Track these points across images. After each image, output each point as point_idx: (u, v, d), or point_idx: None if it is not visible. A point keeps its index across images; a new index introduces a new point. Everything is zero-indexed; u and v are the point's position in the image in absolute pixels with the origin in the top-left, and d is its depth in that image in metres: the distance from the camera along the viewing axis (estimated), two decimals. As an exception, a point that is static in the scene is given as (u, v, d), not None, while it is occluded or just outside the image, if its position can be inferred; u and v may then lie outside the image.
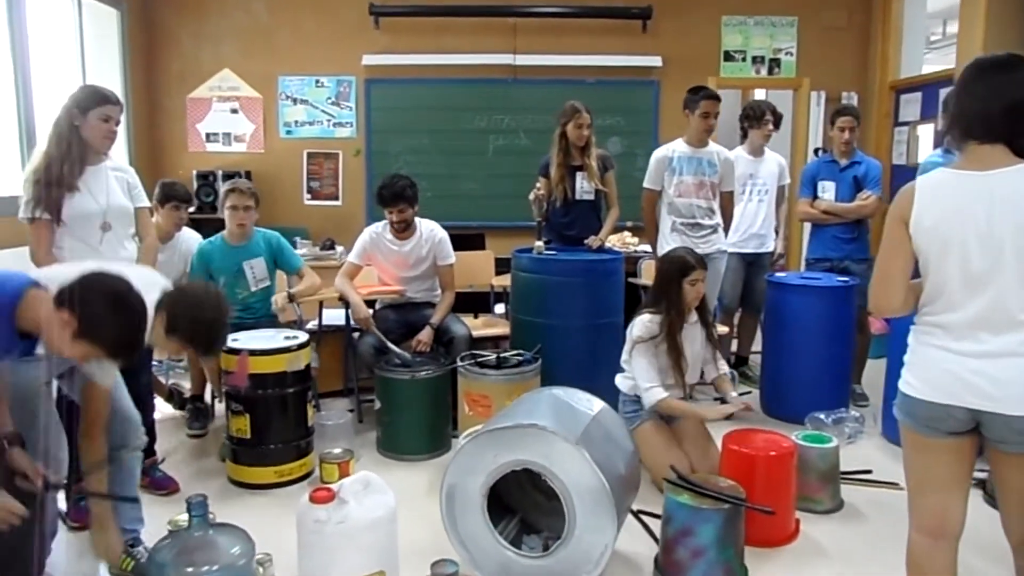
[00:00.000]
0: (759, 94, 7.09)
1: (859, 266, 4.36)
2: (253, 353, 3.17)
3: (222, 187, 3.80)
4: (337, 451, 3.33)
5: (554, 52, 6.17)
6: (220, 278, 3.71)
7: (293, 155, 6.24)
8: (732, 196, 4.22)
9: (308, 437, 3.36)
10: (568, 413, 2.63)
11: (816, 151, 6.42)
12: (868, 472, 3.43)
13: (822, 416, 3.81)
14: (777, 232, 4.72)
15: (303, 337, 3.35)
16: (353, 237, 5.84)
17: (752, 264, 4.46)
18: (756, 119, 4.48)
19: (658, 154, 4.10)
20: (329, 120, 6.23)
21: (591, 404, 2.78)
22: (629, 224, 5.54)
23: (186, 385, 4.16)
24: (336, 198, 6.31)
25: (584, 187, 4.24)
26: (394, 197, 3.89)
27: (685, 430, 3.37)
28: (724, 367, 3.44)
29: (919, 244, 1.83)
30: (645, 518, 2.94)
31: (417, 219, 4.05)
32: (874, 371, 4.50)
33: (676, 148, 4.07)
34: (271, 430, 3.23)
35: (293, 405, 3.29)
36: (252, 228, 3.80)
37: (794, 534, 2.88)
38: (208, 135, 6.17)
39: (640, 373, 3.16)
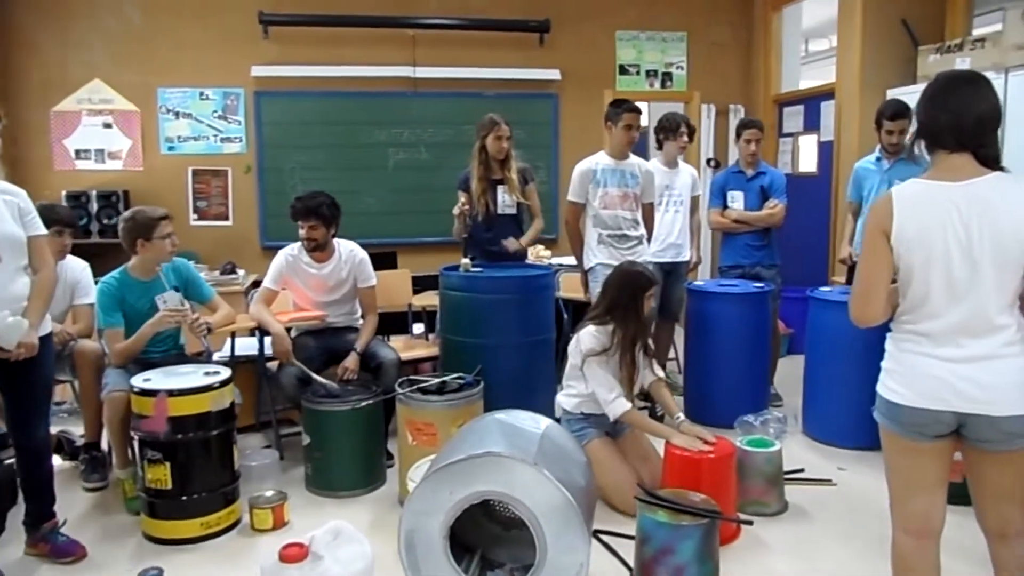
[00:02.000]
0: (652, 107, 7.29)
1: (769, 271, 4.55)
2: (172, 394, 2.84)
3: (128, 215, 3.36)
4: (269, 494, 3.08)
5: (454, 65, 6.08)
6: (135, 318, 3.30)
7: (176, 173, 5.77)
8: (653, 207, 4.28)
9: (235, 482, 3.06)
10: (517, 435, 2.52)
11: (708, 162, 6.68)
12: (802, 471, 3.54)
13: (750, 419, 3.90)
14: (692, 241, 4.83)
15: (225, 372, 3.04)
16: (249, 260, 5.56)
17: (670, 273, 4.53)
18: (671, 131, 4.58)
19: (581, 167, 4.08)
20: (216, 135, 5.81)
21: (536, 422, 2.69)
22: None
23: (77, 432, 3.70)
24: (226, 218, 5.90)
25: (506, 201, 4.17)
26: (306, 212, 3.66)
27: (628, 443, 3.35)
28: (660, 372, 3.45)
29: (902, 255, 1.87)
30: (605, 538, 2.88)
31: (336, 240, 3.83)
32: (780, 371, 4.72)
33: (599, 161, 4.07)
34: (194, 478, 2.90)
35: (217, 448, 2.98)
36: None
37: (736, 533, 2.91)
38: (78, 152, 5.60)
39: (600, 385, 3.11)
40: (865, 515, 3.15)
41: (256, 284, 4.74)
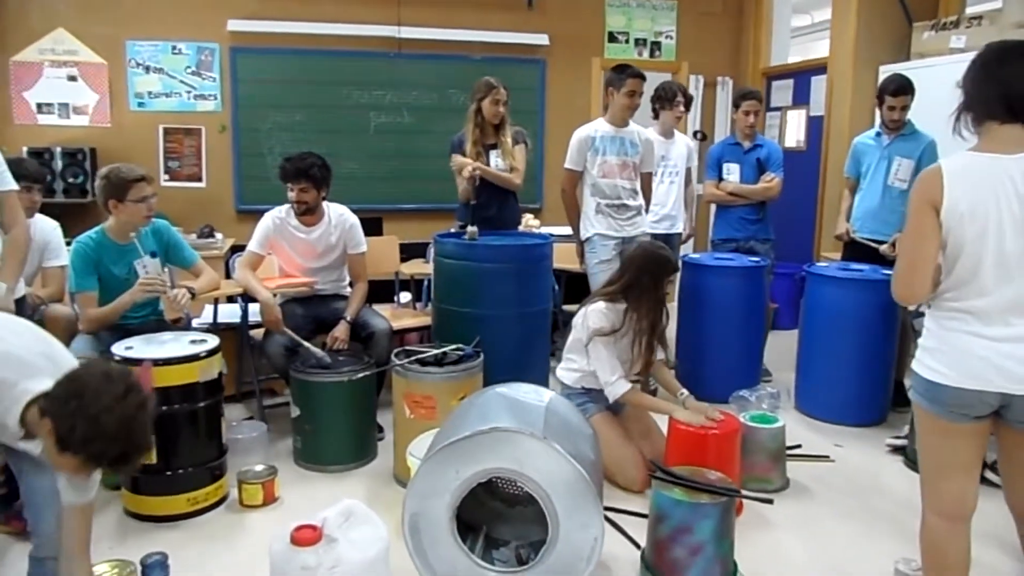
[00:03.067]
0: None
1: (763, 246, 4.49)
2: (157, 363, 2.67)
3: (104, 172, 3.11)
4: (259, 468, 2.94)
5: (440, 26, 5.87)
6: (111, 283, 3.09)
7: (147, 130, 5.49)
8: (651, 177, 4.18)
9: (222, 456, 2.91)
10: (521, 409, 2.42)
11: (695, 134, 6.58)
12: (799, 447, 3.51)
13: (745, 394, 3.86)
14: (686, 213, 4.76)
15: (213, 341, 2.88)
16: (223, 224, 5.33)
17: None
18: (667, 100, 4.47)
19: (580, 134, 3.95)
20: (189, 92, 5.53)
21: (539, 395, 2.59)
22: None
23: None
24: (199, 179, 5.64)
25: (500, 166, 4.03)
26: (296, 173, 3.48)
27: (630, 418, 3.28)
28: (660, 352, 3.37)
29: (952, 229, 1.80)
30: (611, 515, 2.81)
31: (326, 203, 3.65)
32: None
33: (599, 128, 3.94)
34: (181, 452, 2.75)
35: (205, 421, 2.83)
36: None
37: (739, 510, 2.86)
38: (40, 105, 5.28)
39: (602, 365, 3.02)
40: (866, 492, 3.15)
41: (235, 248, 4.56)
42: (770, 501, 2.40)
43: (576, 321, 3.21)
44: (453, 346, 3.18)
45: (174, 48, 5.46)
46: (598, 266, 3.91)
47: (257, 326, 3.70)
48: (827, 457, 3.46)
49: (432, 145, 5.94)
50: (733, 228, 4.51)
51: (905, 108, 3.92)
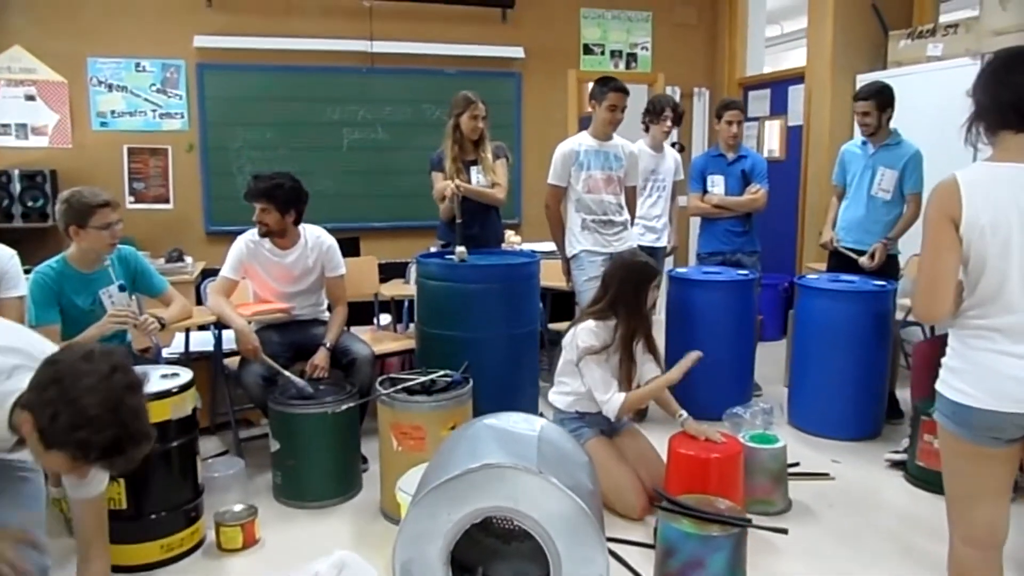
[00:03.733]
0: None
1: (750, 258, 4.43)
2: (126, 401, 2.48)
3: (65, 196, 2.93)
4: (237, 508, 2.77)
5: (413, 39, 5.75)
6: (74, 315, 2.90)
7: (110, 150, 5.27)
8: (635, 191, 4.09)
9: (198, 498, 2.73)
10: (512, 441, 2.29)
11: (673, 145, 6.52)
12: (797, 464, 3.42)
13: (739, 411, 3.76)
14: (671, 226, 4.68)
15: (186, 374, 2.71)
16: (192, 247, 5.13)
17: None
18: (655, 114, 4.39)
19: (564, 148, 3.85)
20: (155, 111, 5.34)
21: (531, 424, 2.46)
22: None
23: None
24: (166, 200, 5.44)
25: (481, 182, 3.91)
26: (256, 193, 3.33)
27: (626, 442, 3.17)
28: (655, 369, 3.27)
29: (974, 243, 1.72)
30: (612, 546, 2.68)
31: (302, 225, 3.50)
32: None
33: (582, 141, 3.85)
34: (153, 495, 2.57)
35: (179, 461, 2.65)
36: None
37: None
38: (-4, 126, 5.05)
39: (596, 384, 2.92)
40: (869, 510, 3.07)
41: (206, 273, 4.38)
42: (784, 531, 2.29)
43: (566, 342, 3.10)
44: (441, 372, 3.04)
45: (138, 65, 5.27)
46: (586, 283, 3.81)
47: (232, 355, 3.53)
48: (826, 475, 3.37)
49: (407, 161, 5.82)
50: (719, 241, 4.45)
51: (868, 114, 3.88)
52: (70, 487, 1.90)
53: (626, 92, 3.78)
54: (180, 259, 4.32)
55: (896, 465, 3.43)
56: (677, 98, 6.53)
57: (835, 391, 3.79)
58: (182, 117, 5.39)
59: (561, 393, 3.12)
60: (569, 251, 3.92)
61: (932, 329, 4.07)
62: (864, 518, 2.99)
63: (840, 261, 4.05)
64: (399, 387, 2.90)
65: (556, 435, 2.46)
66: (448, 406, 2.88)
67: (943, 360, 1.85)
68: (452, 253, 3.61)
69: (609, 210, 3.84)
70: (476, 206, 3.88)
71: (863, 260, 3.89)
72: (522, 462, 2.02)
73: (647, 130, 4.47)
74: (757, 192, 4.34)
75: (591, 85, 3.90)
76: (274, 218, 3.35)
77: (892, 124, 3.95)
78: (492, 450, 2.12)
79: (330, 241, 3.56)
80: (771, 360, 4.74)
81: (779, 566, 2.59)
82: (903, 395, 4.01)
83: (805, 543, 2.76)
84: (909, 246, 4.58)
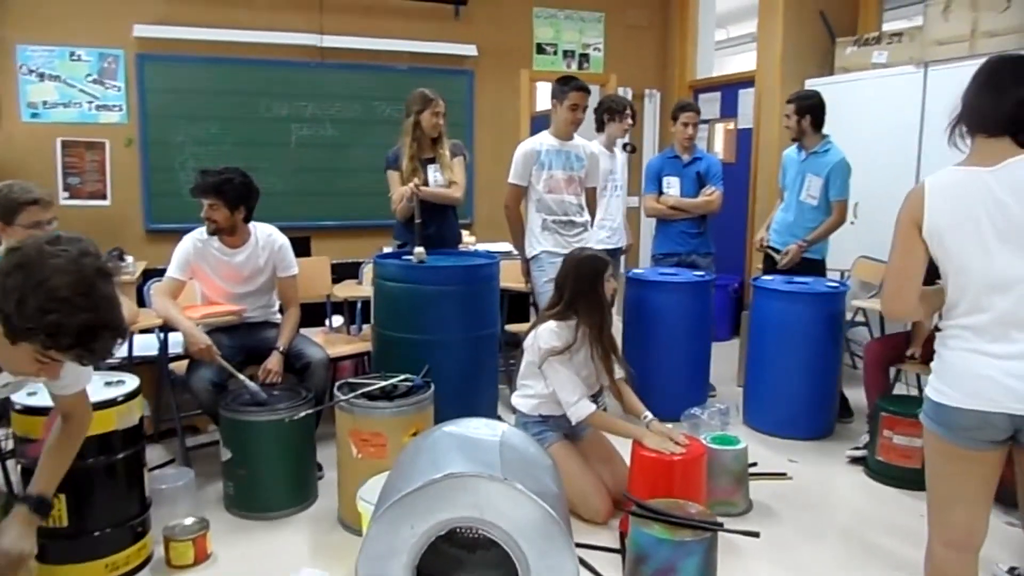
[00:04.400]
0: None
1: (705, 260, 4.47)
2: (67, 411, 2.33)
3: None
4: (188, 522, 2.63)
5: (365, 34, 5.62)
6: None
7: (42, 143, 5.00)
8: (596, 192, 4.07)
9: (146, 512, 2.59)
10: (474, 448, 2.23)
11: (624, 147, 6.55)
12: (755, 465, 3.45)
13: (696, 412, 3.79)
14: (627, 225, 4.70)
15: (132, 381, 2.56)
16: (131, 246, 4.90)
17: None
18: (618, 112, 4.39)
19: (525, 147, 3.81)
20: (91, 102, 5.08)
21: (492, 429, 2.40)
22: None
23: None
24: (103, 196, 5.19)
25: (439, 180, 3.84)
26: (205, 188, 3.20)
27: (589, 445, 3.14)
28: (619, 371, 3.25)
29: (936, 246, 1.76)
30: (578, 551, 2.64)
31: (253, 224, 3.37)
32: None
33: (543, 141, 3.81)
34: (97, 511, 2.42)
35: (125, 473, 2.50)
36: None
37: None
38: (-85, 116, 4.72)
39: (563, 386, 2.87)
40: (830, 508, 3.12)
41: (147, 273, 4.18)
42: (756, 534, 2.29)
43: (527, 344, 3.06)
44: (401, 376, 2.95)
45: (72, 54, 5.00)
46: (546, 285, 3.75)
47: (178, 359, 3.37)
48: (784, 474, 3.41)
49: (358, 159, 5.70)
50: (674, 242, 4.47)
51: (788, 116, 4.05)
52: (50, 387, 1.86)
53: (587, 91, 3.76)
54: (121, 259, 4.10)
55: (856, 461, 3.49)
56: (629, 99, 6.58)
57: (790, 391, 3.85)
58: (121, 109, 5.15)
59: (525, 396, 3.08)
60: (529, 252, 3.87)
61: (882, 329, 4.16)
62: (825, 516, 3.04)
63: (768, 261, 4.19)
64: (359, 392, 2.81)
65: (519, 439, 2.40)
66: (409, 412, 2.80)
67: (931, 364, 1.87)
68: (410, 253, 3.53)
69: (570, 210, 3.81)
70: (434, 206, 3.80)
71: (778, 258, 4.09)
72: (486, 470, 1.97)
73: (601, 129, 4.46)
74: (712, 194, 4.38)
75: (552, 84, 3.85)
76: (223, 215, 3.21)
77: (827, 129, 4.07)
78: (454, 459, 2.05)
79: (282, 240, 3.43)
80: (723, 360, 4.79)
81: (747, 569, 2.59)
82: (850, 394, 4.11)
83: (769, 544, 2.77)
84: (851, 251, 4.72)
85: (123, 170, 5.19)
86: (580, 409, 2.88)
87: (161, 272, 3.42)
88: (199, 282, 3.38)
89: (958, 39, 4.25)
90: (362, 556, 1.93)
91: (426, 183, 3.77)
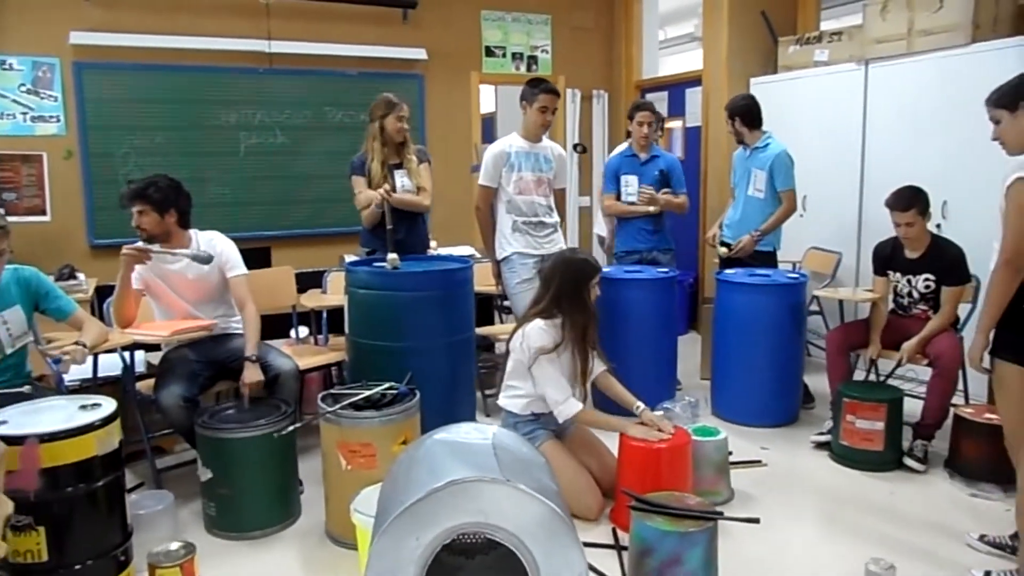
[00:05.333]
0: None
1: (665, 256, 4.55)
2: (44, 439, 2.22)
3: None
4: (174, 547, 2.52)
5: (313, 40, 5.52)
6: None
7: (-28, 158, 4.74)
8: (564, 193, 4.10)
9: (128, 540, 2.48)
10: (469, 453, 2.23)
11: (575, 147, 6.64)
12: (731, 454, 3.53)
13: (669, 405, 3.84)
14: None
15: (109, 404, 2.45)
16: (76, 261, 4.69)
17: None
18: (637, 108, 4.52)
19: (495, 149, 3.81)
20: (25, 113, 4.84)
21: (482, 433, 2.40)
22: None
23: None
24: (43, 212, 4.95)
25: (406, 185, 3.80)
26: (132, 195, 3.13)
27: (576, 440, 3.17)
28: (601, 364, 3.28)
29: None
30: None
31: (193, 231, 3.30)
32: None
33: (512, 143, 3.82)
34: (79, 543, 2.30)
35: (105, 502, 2.38)
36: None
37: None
38: None
39: (551, 385, 2.90)
40: (806, 492, 3.23)
41: (100, 291, 4.02)
42: (756, 520, 2.35)
43: (514, 344, 3.06)
44: (385, 384, 2.92)
45: (3, 63, 4.75)
46: (519, 286, 3.79)
47: (145, 378, 3.24)
48: (760, 462, 3.51)
49: (311, 166, 5.61)
50: (634, 240, 4.53)
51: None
52: None
53: (557, 94, 3.80)
54: (72, 276, 3.92)
55: (821, 446, 3.62)
56: (578, 100, 6.66)
57: (757, 380, 3.97)
58: (58, 120, 4.92)
59: (514, 396, 3.08)
60: (500, 253, 3.88)
61: (841, 317, 4.32)
62: (803, 499, 3.15)
63: (731, 262, 4.32)
64: (345, 403, 2.76)
65: (510, 440, 2.40)
66: (398, 420, 2.76)
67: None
68: (380, 260, 3.49)
69: (540, 212, 3.84)
70: (402, 212, 3.77)
71: (722, 250, 4.31)
72: (485, 473, 1.97)
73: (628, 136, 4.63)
74: (681, 198, 4.47)
75: (522, 87, 3.86)
76: (152, 220, 3.13)
77: (773, 127, 4.32)
78: (452, 465, 2.04)
79: (225, 242, 3.35)
80: (682, 354, 4.88)
81: (742, 552, 2.65)
82: (809, 380, 4.25)
83: (756, 527, 2.84)
84: (802, 243, 4.89)
85: (63, 184, 4.97)
86: (568, 408, 2.91)
87: (114, 288, 3.29)
88: (156, 298, 3.28)
89: (896, 37, 4.46)
90: (369, 573, 1.90)
91: (394, 188, 3.73)
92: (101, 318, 3.61)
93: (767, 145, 4.19)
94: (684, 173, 4.63)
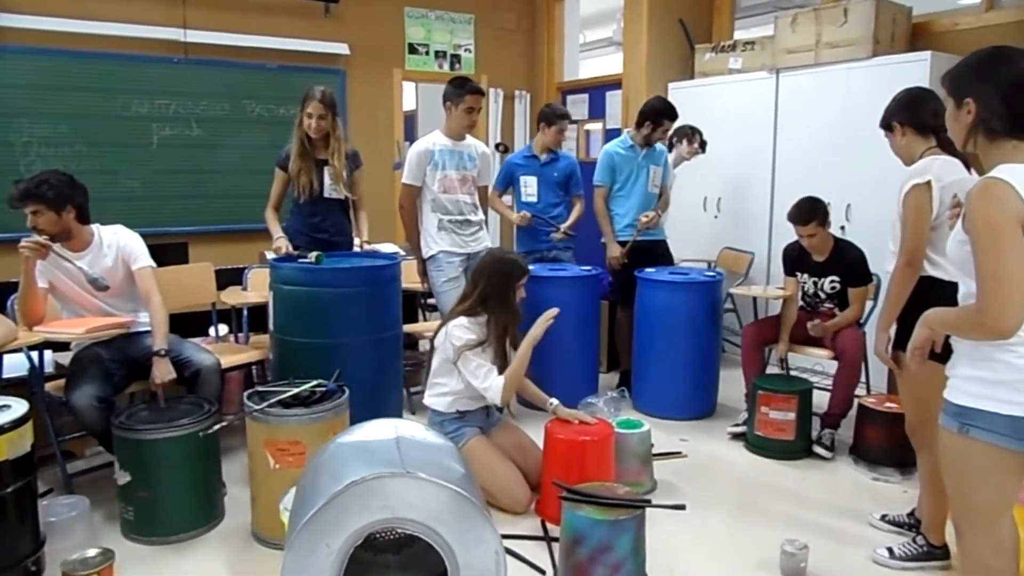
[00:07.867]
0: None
1: (566, 253, 4.64)
2: (-52, 443, 2.10)
3: None
4: (91, 554, 2.43)
5: (231, 30, 5.36)
6: None
7: None
8: (487, 190, 4.13)
9: (40, 549, 2.37)
10: (371, 451, 2.21)
11: (497, 146, 6.67)
12: (652, 446, 3.66)
13: (593, 400, 3.94)
14: None
15: (20, 406, 2.33)
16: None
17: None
18: (686, 135, 4.83)
19: (419, 147, 3.80)
20: (-87, 98, 4.50)
21: (387, 427, 2.35)
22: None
23: None
24: (-68, 205, 4.60)
25: (329, 183, 3.74)
26: (23, 195, 2.97)
27: (504, 436, 3.22)
28: None
29: None
30: (506, 542, 2.70)
31: (96, 226, 3.19)
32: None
33: (436, 141, 3.82)
34: (-13, 551, 2.19)
35: (15, 509, 2.28)
36: None
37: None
38: None
39: (476, 374, 2.94)
40: (724, 481, 3.38)
41: (3, 288, 3.78)
42: (683, 507, 2.44)
43: (438, 342, 3.08)
44: (313, 382, 2.88)
45: None
46: (445, 284, 3.80)
47: (54, 379, 3.09)
48: (680, 453, 3.65)
49: (228, 160, 5.44)
50: (534, 240, 4.58)
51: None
52: None
53: (482, 94, 3.82)
54: (-31, 273, 3.68)
55: (736, 437, 3.79)
56: (500, 100, 6.71)
57: (676, 375, 4.12)
58: (-49, 107, 4.60)
59: (439, 395, 3.09)
60: (426, 252, 3.88)
61: (755, 314, 4.51)
62: (722, 487, 3.30)
63: (633, 253, 4.44)
64: (273, 400, 2.71)
65: (415, 430, 2.35)
66: (327, 417, 2.73)
67: (969, 374, 1.74)
68: (304, 256, 3.44)
69: (465, 210, 3.86)
70: (328, 207, 3.72)
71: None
72: (387, 468, 1.95)
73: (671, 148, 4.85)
74: (578, 206, 4.59)
75: (445, 86, 3.86)
76: (49, 219, 3.00)
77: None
78: (353, 466, 1.99)
79: (128, 236, 3.24)
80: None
81: (668, 539, 2.76)
82: (725, 375, 4.43)
83: (679, 515, 2.94)
84: (716, 243, 5.10)
85: (-45, 174, 4.64)
86: (495, 386, 2.93)
87: (15, 285, 3.13)
88: (62, 298, 3.13)
89: (804, 48, 4.71)
90: None
91: (321, 184, 3.67)
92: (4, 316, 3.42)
93: (655, 144, 4.49)
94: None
